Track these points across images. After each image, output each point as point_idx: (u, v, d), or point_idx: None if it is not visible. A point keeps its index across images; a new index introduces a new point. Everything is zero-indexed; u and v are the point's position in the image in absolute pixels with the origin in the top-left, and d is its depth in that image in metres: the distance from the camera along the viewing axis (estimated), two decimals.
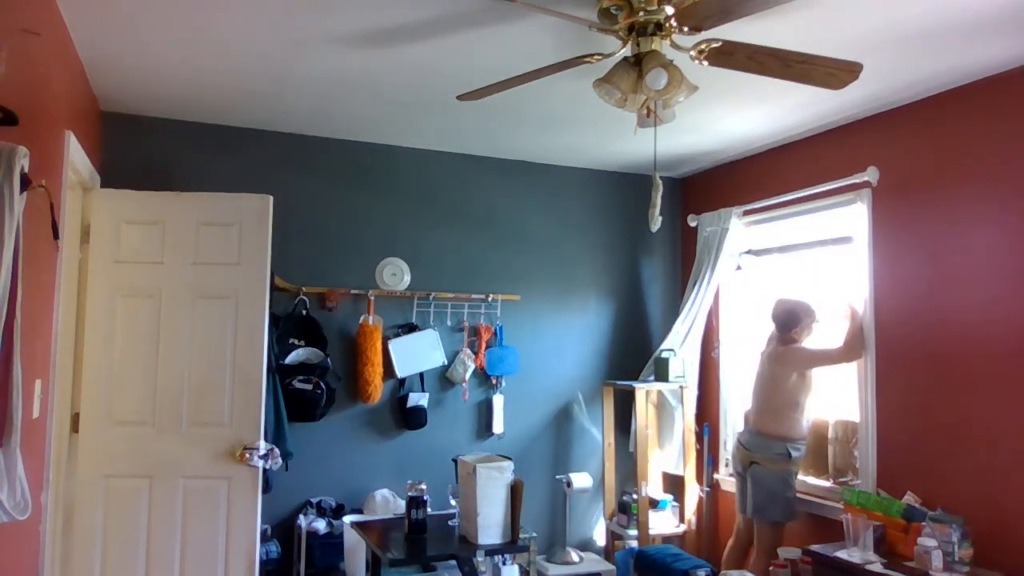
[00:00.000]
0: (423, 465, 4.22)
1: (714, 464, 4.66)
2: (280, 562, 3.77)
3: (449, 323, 4.44)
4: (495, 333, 4.53)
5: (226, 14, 2.66)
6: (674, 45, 2.34)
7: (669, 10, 2.23)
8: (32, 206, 1.93)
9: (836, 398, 3.94)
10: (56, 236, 2.14)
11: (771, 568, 3.46)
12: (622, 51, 2.37)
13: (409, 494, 3.24)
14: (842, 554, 3.23)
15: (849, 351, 3.68)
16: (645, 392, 4.47)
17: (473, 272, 4.53)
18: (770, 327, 3.99)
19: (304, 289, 4.11)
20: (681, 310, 4.71)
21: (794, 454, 3.72)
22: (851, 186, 3.76)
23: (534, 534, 3.24)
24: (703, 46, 2.33)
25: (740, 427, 4.31)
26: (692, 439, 4.56)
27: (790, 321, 3.85)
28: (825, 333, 3.93)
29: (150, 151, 3.87)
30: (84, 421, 3.23)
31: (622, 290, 4.93)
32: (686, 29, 2.27)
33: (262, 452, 3.29)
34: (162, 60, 3.11)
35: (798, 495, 3.79)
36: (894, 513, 3.26)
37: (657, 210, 2.76)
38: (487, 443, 4.48)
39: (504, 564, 3.93)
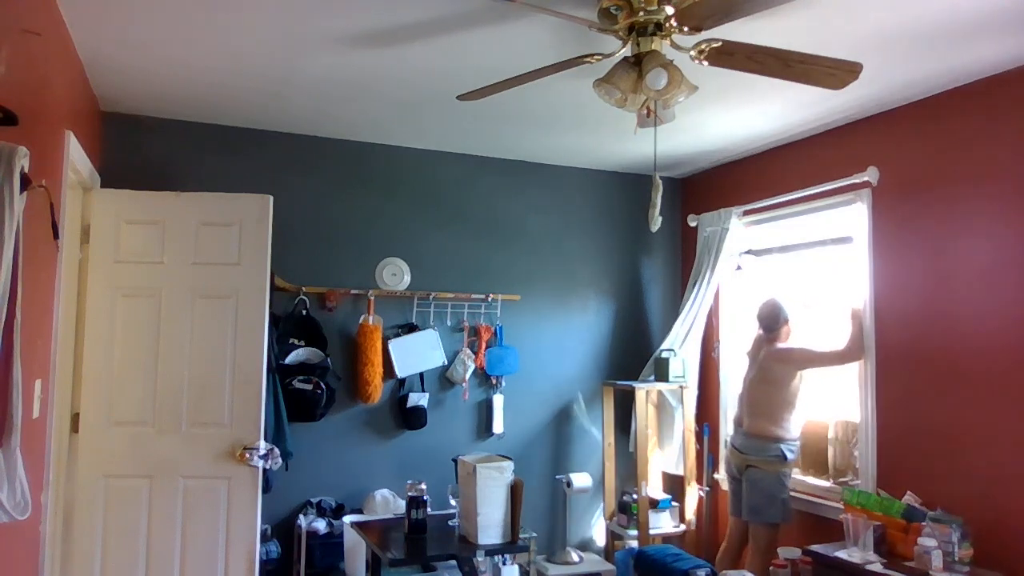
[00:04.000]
0: (423, 465, 4.22)
1: (714, 464, 4.66)
2: (280, 562, 3.77)
3: (449, 323, 4.44)
4: (495, 333, 4.53)
5: (226, 14, 2.66)
6: (674, 45, 2.34)
7: (669, 10, 2.23)
8: (32, 206, 1.93)
9: (836, 398, 3.94)
10: (56, 236, 2.14)
11: (771, 568, 3.45)
12: (622, 51, 2.36)
13: (409, 494, 3.24)
14: (842, 554, 3.24)
15: (851, 352, 3.68)
16: (645, 392, 4.47)
17: (473, 272, 4.53)
18: (758, 329, 4.02)
19: (304, 289, 4.11)
20: (681, 310, 4.71)
21: (789, 455, 3.73)
22: (851, 186, 3.76)
23: (534, 534, 3.24)
24: (703, 46, 2.33)
25: (731, 431, 4.30)
26: (692, 439, 4.56)
27: (780, 317, 3.89)
28: (828, 334, 3.93)
29: (150, 151, 3.87)
30: (84, 421, 3.23)
31: (622, 290, 4.93)
32: (686, 29, 2.27)
33: (262, 452, 3.29)
34: (162, 60, 3.11)
35: (792, 494, 3.79)
36: (894, 513, 3.26)
37: (657, 210, 2.76)
38: (487, 443, 4.48)
39: (504, 564, 3.93)
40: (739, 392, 4.12)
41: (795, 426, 3.78)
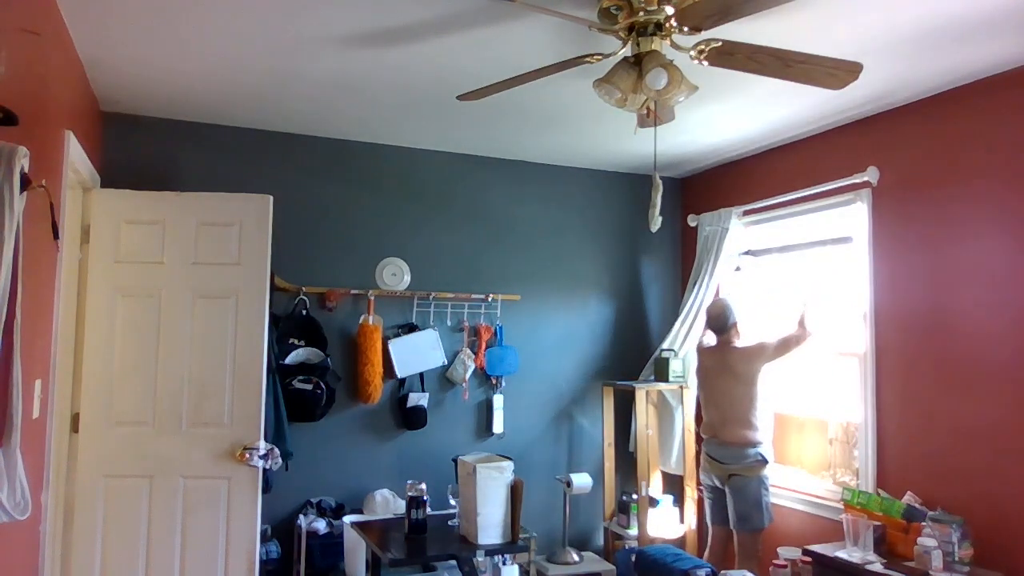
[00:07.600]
0: (423, 465, 4.22)
1: None
2: (280, 562, 3.77)
3: (449, 323, 4.44)
4: (495, 333, 4.53)
5: (226, 15, 2.66)
6: (674, 45, 2.34)
7: (669, 10, 2.23)
8: (32, 206, 1.93)
9: (836, 398, 3.94)
10: (56, 236, 2.13)
11: (771, 568, 3.46)
12: (622, 51, 2.37)
13: (409, 494, 3.24)
14: (842, 554, 3.23)
15: (801, 334, 3.72)
16: (645, 392, 4.47)
17: (473, 272, 4.53)
18: (713, 335, 4.06)
19: (304, 289, 4.11)
20: (681, 310, 4.71)
21: (768, 458, 3.74)
22: (851, 186, 3.76)
23: (534, 534, 3.25)
24: (703, 46, 2.33)
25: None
26: (692, 439, 4.56)
27: (729, 316, 3.94)
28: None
29: (150, 151, 3.87)
30: (84, 421, 3.23)
31: (622, 290, 4.93)
32: (686, 29, 2.27)
33: (262, 452, 3.29)
34: (162, 60, 3.11)
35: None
36: (894, 513, 3.26)
37: (657, 210, 2.76)
38: (487, 443, 4.48)
39: (504, 564, 3.92)
40: (703, 400, 4.08)
41: (766, 426, 3.79)
